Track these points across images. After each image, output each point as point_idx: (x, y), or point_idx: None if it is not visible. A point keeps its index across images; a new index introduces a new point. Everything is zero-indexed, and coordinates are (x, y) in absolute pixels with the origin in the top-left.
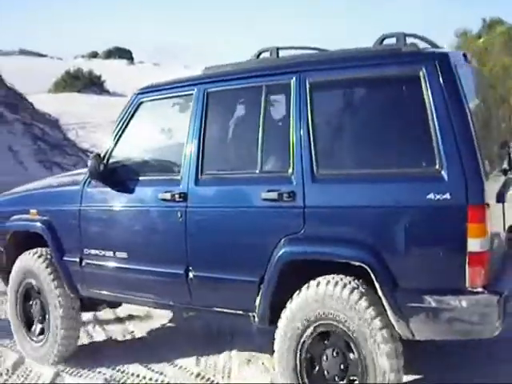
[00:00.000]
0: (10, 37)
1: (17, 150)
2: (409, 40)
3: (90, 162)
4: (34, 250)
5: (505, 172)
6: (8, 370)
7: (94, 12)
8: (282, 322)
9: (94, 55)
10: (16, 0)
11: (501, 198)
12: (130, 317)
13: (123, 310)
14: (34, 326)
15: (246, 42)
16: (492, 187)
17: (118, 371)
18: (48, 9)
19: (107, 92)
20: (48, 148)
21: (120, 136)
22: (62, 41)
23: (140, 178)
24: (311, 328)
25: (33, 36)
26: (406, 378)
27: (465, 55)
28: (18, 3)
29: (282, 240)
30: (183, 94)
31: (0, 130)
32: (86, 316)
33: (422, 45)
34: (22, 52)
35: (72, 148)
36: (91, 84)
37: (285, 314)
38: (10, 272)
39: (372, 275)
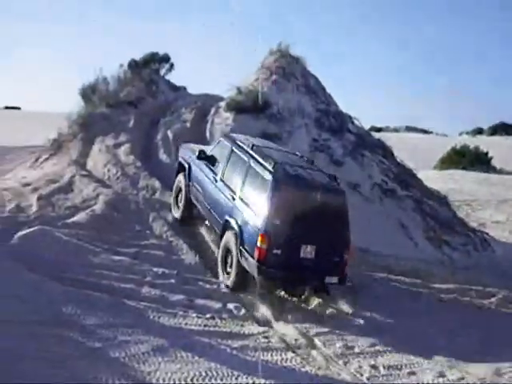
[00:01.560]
0: (398, 114)
1: (407, 225)
2: None
3: (197, 152)
4: (182, 173)
5: None
6: None
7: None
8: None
9: (479, 131)
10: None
11: None
12: None
13: None
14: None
15: None
16: None
17: None
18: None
19: (494, 169)
20: (437, 225)
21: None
22: (446, 117)
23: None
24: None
25: (414, 113)
26: None
27: None
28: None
29: None
30: None
31: (392, 205)
32: None
33: None
34: (409, 128)
35: (460, 226)
36: (477, 161)
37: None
38: None
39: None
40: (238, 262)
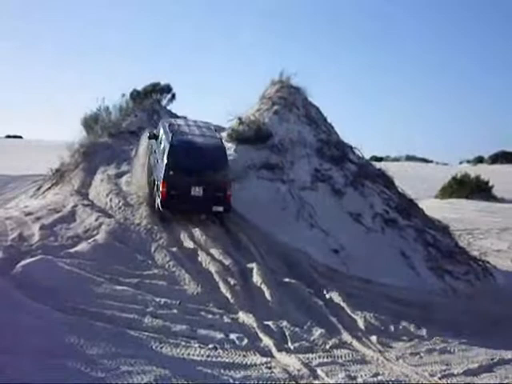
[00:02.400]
0: (398, 143)
1: (409, 255)
2: None
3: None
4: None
5: None
6: None
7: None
8: None
9: (480, 160)
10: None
11: None
12: None
13: None
14: None
15: None
16: None
17: None
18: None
19: (495, 198)
20: (439, 255)
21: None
22: (446, 146)
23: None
24: None
25: (417, 143)
26: None
27: None
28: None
29: None
30: None
31: (393, 234)
32: None
33: None
34: (409, 158)
35: (462, 255)
36: (478, 190)
37: None
38: None
39: None
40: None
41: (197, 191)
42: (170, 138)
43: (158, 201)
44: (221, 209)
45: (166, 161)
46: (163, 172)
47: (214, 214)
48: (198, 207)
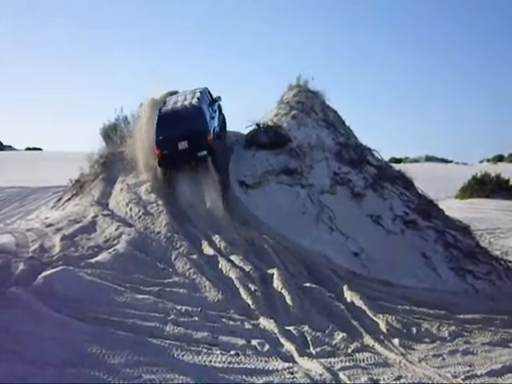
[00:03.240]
0: (417, 144)
1: (429, 256)
2: None
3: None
4: None
5: None
6: None
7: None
8: None
9: (500, 159)
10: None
11: None
12: None
13: None
14: None
15: None
16: None
17: None
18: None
19: None
20: (460, 255)
21: None
22: (465, 146)
23: None
24: None
25: (436, 143)
26: None
27: None
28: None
29: None
30: None
31: (414, 236)
32: None
33: None
34: (428, 158)
35: (484, 255)
36: (499, 188)
37: None
38: None
39: None
40: None
41: (183, 145)
42: (157, 113)
43: (156, 162)
44: (205, 152)
45: (155, 131)
46: (155, 139)
47: (200, 158)
48: (187, 157)
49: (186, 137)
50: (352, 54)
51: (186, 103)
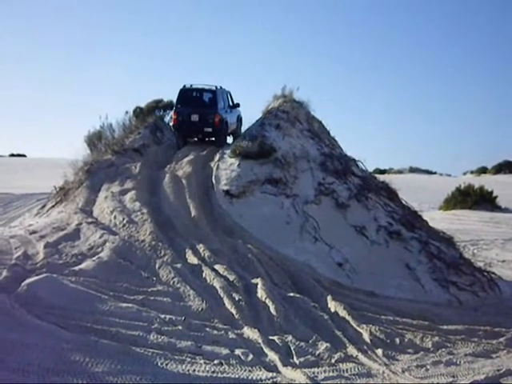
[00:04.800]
0: (401, 154)
1: (413, 267)
2: None
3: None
4: None
5: None
6: None
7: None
8: None
9: (484, 171)
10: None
11: None
12: None
13: None
14: None
15: None
16: None
17: None
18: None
19: (498, 208)
20: (444, 266)
21: None
22: (449, 158)
23: None
24: None
25: (421, 154)
26: None
27: None
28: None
29: None
30: None
31: (398, 247)
32: None
33: None
34: (412, 170)
35: (467, 267)
36: (482, 200)
37: None
38: None
39: None
40: None
41: (194, 117)
42: (180, 89)
43: (172, 125)
44: (210, 129)
45: (176, 100)
46: (175, 107)
47: (206, 134)
48: (196, 128)
49: (198, 112)
50: (337, 65)
51: (205, 88)
